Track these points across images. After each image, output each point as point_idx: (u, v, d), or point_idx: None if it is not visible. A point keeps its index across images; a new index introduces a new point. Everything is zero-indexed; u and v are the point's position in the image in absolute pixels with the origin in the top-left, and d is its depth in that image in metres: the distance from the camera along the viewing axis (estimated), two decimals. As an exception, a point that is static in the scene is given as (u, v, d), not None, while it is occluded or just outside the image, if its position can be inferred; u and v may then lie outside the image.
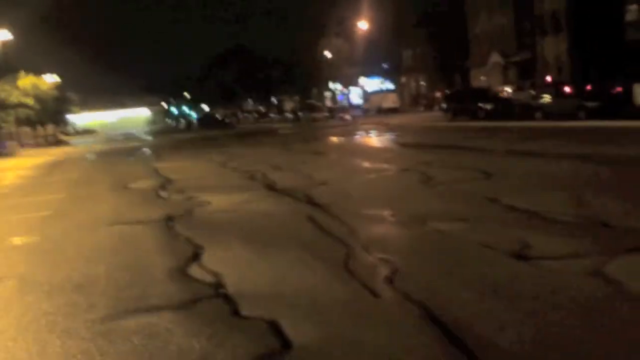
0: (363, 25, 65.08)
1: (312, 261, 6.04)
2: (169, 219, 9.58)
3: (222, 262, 6.36)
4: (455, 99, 36.99)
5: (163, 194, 12.79)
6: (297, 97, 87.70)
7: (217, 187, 13.29)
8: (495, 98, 34.76)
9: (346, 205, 9.48)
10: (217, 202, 11.00)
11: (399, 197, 10.10)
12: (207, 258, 6.55)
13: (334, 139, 28.97)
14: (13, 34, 50.94)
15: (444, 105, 38.92)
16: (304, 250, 6.50)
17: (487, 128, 26.21)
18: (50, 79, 62.36)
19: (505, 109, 31.01)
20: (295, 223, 8.48)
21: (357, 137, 28.78)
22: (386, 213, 8.56)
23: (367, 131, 32.32)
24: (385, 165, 14.64)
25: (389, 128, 33.69)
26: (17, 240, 9.01)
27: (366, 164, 15.39)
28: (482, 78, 53.90)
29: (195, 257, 6.65)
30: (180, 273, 6.07)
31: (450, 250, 6.11)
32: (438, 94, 59.19)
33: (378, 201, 9.75)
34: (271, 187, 12.35)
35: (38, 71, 57.03)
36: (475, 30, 56.17)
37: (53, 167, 25.56)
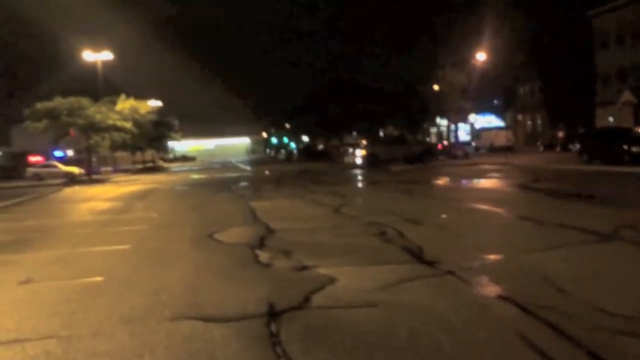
0: (480, 57, 60.44)
1: None
2: (272, 315, 5.85)
3: None
4: (592, 139, 32.09)
5: (262, 256, 9.07)
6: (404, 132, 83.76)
7: (338, 250, 9.46)
8: (640, 140, 29.45)
9: (577, 306, 5.44)
10: (346, 281, 7.19)
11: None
12: None
13: (461, 180, 24.55)
14: (118, 56, 50.65)
15: (578, 146, 34.23)
16: None
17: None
18: (152, 103, 61.85)
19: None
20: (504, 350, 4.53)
21: (488, 179, 24.27)
22: None
23: (493, 172, 27.75)
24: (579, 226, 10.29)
25: (516, 169, 28.93)
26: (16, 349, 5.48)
27: (546, 227, 11.04)
28: (610, 118, 48.23)
29: None
30: None
31: None
32: (561, 133, 54.11)
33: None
34: (418, 257, 8.41)
35: (140, 95, 56.46)
36: (603, 67, 50.59)
37: (137, 199, 22.78)
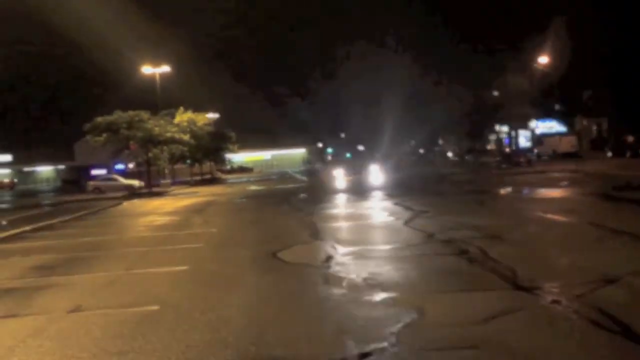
0: (543, 60, 58.20)
1: None
2: (353, 359, 4.87)
3: None
4: None
5: (332, 279, 8.07)
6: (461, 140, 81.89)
7: (419, 275, 8.39)
8: None
9: None
10: (435, 314, 6.18)
11: None
12: None
13: (533, 189, 23.05)
14: (176, 69, 50.95)
15: None
16: None
17: None
18: (210, 116, 62.05)
19: None
20: None
21: (563, 188, 22.69)
22: None
23: (565, 180, 26.03)
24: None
25: (589, 177, 27.09)
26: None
27: None
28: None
29: None
30: None
31: None
32: (630, 138, 51.48)
33: None
34: (511, 280, 7.27)
35: (199, 107, 56.62)
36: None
37: (195, 212, 22.20)
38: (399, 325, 5.72)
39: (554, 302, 6.25)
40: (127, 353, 5.52)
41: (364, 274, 8.25)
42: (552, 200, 19.00)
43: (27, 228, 18.68)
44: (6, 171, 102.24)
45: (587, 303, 6.09)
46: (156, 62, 49.28)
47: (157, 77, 48.60)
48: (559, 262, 8.49)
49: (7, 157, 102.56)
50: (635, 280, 6.86)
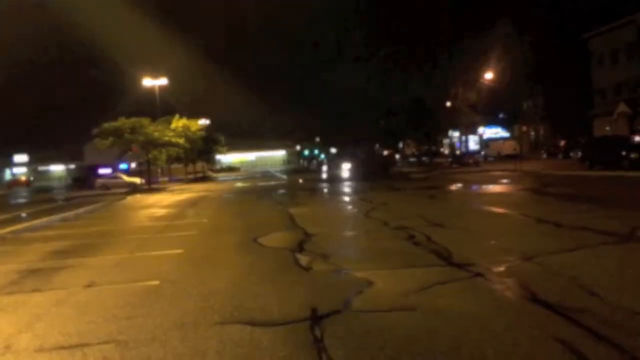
0: (489, 75, 59.24)
1: None
2: (315, 319, 5.35)
3: None
4: (594, 147, 30.88)
5: (302, 259, 8.56)
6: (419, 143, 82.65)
7: (372, 253, 8.92)
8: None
9: (611, 309, 4.84)
10: (382, 284, 6.64)
11: None
12: None
13: (477, 186, 23.74)
14: (173, 80, 50.96)
15: (579, 153, 33.03)
16: None
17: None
18: (202, 122, 61.95)
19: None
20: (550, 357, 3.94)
21: (502, 184, 23.40)
22: None
23: (505, 178, 26.81)
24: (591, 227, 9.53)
25: (526, 175, 27.90)
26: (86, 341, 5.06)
27: (560, 228, 10.30)
28: (607, 128, 46.77)
29: None
30: None
31: None
32: (562, 142, 52.73)
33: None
34: (447, 259, 7.82)
35: (192, 114, 56.55)
36: (599, 82, 49.20)
37: (189, 205, 22.47)
38: (353, 294, 6.22)
39: (479, 274, 6.78)
40: (135, 317, 5.92)
41: (328, 255, 8.72)
42: (492, 194, 19.67)
43: (45, 219, 18.81)
44: (23, 170, 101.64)
45: (504, 275, 6.65)
46: (155, 75, 49.47)
47: (156, 88, 48.73)
48: (489, 245, 8.96)
49: (23, 157, 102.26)
50: (547, 259, 7.38)
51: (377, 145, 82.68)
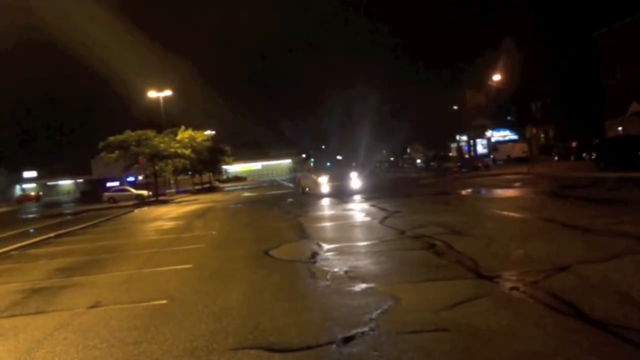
0: (496, 77, 58.78)
1: None
2: (339, 343, 4.82)
3: None
4: (608, 147, 30.14)
5: (318, 273, 8.04)
6: (427, 148, 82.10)
7: (392, 265, 8.39)
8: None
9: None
10: (409, 300, 6.13)
11: None
12: None
13: (492, 190, 23.13)
14: (178, 93, 50.71)
15: (593, 155, 32.22)
16: None
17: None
18: (208, 132, 61.73)
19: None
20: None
21: (516, 188, 22.78)
22: None
23: (518, 181, 26.18)
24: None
25: (540, 178, 27.26)
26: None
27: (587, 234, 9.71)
28: (619, 128, 45.97)
29: None
30: None
31: None
32: (574, 144, 52.00)
33: None
34: (474, 270, 7.27)
35: (198, 126, 56.30)
36: (611, 81, 48.38)
37: (197, 217, 22.01)
38: (378, 312, 5.70)
39: (513, 288, 6.23)
40: (141, 343, 5.44)
41: (345, 268, 8.21)
42: (507, 199, 18.95)
43: (52, 234, 18.41)
44: (32, 185, 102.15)
45: (541, 288, 6.08)
46: (160, 87, 49.21)
47: (161, 100, 48.45)
48: (517, 254, 8.35)
49: (32, 173, 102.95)
50: (582, 268, 6.82)
51: (384, 151, 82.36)
